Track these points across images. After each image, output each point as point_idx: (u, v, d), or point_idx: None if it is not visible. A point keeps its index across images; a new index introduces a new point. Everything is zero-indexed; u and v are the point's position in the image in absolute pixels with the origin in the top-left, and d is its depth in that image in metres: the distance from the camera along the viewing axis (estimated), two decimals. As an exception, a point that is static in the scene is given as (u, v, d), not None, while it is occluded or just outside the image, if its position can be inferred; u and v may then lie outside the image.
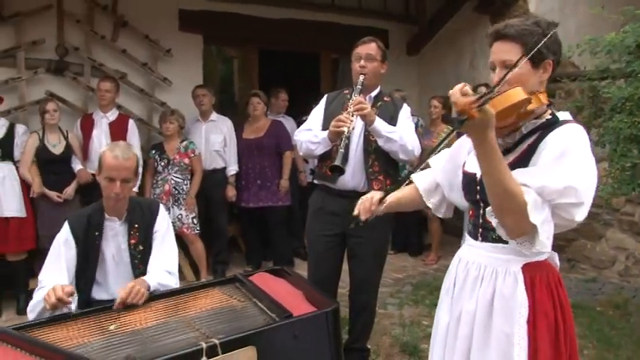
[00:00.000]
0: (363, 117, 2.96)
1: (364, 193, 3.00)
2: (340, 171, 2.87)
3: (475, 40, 6.45)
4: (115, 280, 2.66)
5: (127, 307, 2.21)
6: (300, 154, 3.40)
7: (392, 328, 4.07)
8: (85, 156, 4.84)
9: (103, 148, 2.86)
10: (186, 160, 5.02)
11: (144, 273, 2.60)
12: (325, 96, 3.40)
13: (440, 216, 2.11)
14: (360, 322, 3.34)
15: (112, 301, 2.27)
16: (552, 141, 1.63)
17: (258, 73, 6.70)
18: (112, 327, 2.06)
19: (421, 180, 2.09)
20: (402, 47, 7.42)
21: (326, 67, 7.27)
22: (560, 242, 5.37)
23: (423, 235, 6.29)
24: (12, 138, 4.56)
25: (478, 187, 1.75)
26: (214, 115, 5.44)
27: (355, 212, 2.04)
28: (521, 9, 5.71)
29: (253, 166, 5.42)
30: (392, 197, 2.07)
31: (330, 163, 2.96)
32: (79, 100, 5.37)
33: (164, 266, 2.61)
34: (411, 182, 2.10)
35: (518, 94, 1.55)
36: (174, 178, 5.01)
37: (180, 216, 4.98)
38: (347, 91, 3.24)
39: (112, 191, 2.55)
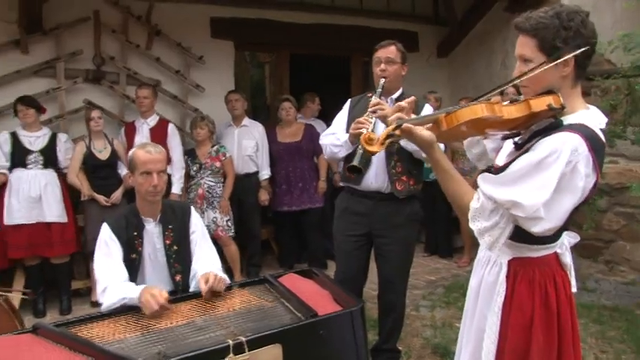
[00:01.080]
0: (382, 118, 2.98)
1: (388, 194, 3.07)
2: (358, 171, 2.85)
3: (507, 39, 6.38)
4: (150, 279, 2.74)
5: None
6: (325, 157, 3.47)
7: (424, 330, 4.08)
8: (130, 161, 4.98)
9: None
10: (218, 164, 5.12)
11: (179, 272, 2.69)
12: (349, 100, 3.46)
13: (480, 167, 2.16)
14: (388, 322, 3.37)
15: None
16: (536, 148, 1.62)
17: (289, 78, 6.78)
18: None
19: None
20: (433, 49, 7.41)
21: (357, 70, 7.30)
22: (598, 244, 5.28)
23: (455, 237, 6.26)
24: (54, 146, 4.74)
25: None
26: (247, 121, 5.53)
27: None
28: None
29: (294, 169, 5.51)
30: None
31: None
32: (115, 108, 5.53)
33: (214, 265, 2.69)
34: None
35: (470, 112, 1.64)
36: (207, 182, 5.10)
37: (214, 219, 5.06)
38: (370, 94, 3.28)
39: (150, 184, 2.63)
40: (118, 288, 2.40)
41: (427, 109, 3.25)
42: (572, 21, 1.61)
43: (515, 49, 1.72)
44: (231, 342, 1.78)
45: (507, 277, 1.76)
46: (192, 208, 2.93)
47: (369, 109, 2.94)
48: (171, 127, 5.19)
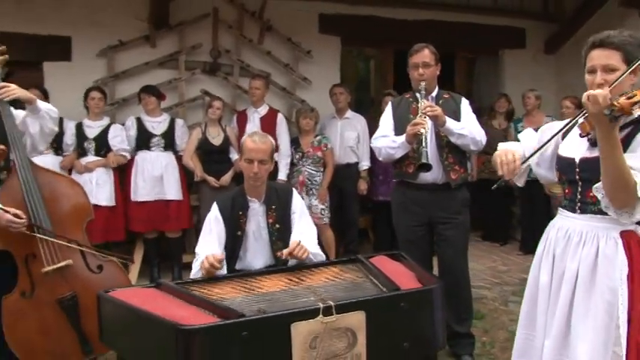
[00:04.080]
0: (435, 118, 3.22)
1: (442, 185, 3.34)
2: (429, 168, 3.17)
3: (621, 36, 6.19)
4: (253, 255, 3.05)
5: (262, 273, 2.60)
6: (380, 159, 3.67)
7: (510, 324, 4.13)
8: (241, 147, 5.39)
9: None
10: (319, 154, 5.39)
11: (280, 248, 2.95)
12: (390, 102, 3.73)
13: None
14: (454, 302, 3.41)
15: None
16: None
17: (393, 73, 6.95)
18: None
19: (527, 150, 2.33)
20: (540, 46, 7.29)
21: (461, 66, 7.36)
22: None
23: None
24: (173, 131, 5.25)
25: (577, 169, 2.06)
26: (349, 113, 5.78)
27: (500, 173, 2.23)
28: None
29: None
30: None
31: (408, 162, 3.35)
32: (228, 98, 5.97)
33: (310, 240, 2.95)
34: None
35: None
36: (308, 170, 5.39)
37: (312, 205, 5.33)
38: (408, 96, 3.54)
39: (251, 171, 2.92)
40: (197, 263, 2.74)
41: (465, 104, 3.49)
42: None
43: (596, 61, 1.99)
44: (321, 305, 2.03)
45: (624, 247, 1.97)
46: (294, 190, 3.22)
47: (422, 111, 3.20)
48: (280, 117, 5.53)
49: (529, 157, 2.21)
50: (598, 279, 1.99)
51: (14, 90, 2.90)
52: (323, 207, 5.39)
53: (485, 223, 6.85)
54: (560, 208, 2.21)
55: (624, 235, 1.98)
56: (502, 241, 6.60)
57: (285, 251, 2.72)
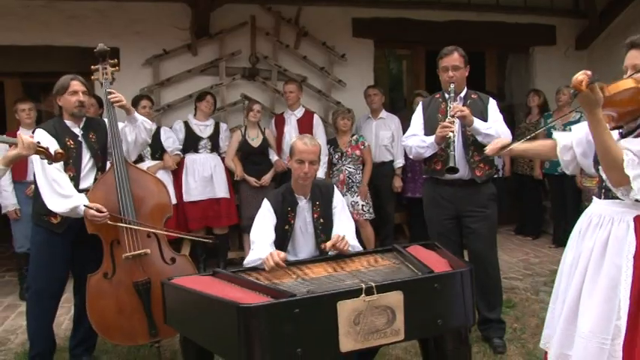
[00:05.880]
0: (463, 119, 3.43)
1: (468, 180, 3.59)
2: (456, 171, 3.42)
3: (651, 31, 6.26)
4: (300, 248, 3.28)
5: (308, 262, 2.87)
6: (410, 156, 3.91)
7: (541, 311, 4.28)
8: (279, 149, 5.69)
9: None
10: (358, 152, 5.63)
11: (323, 241, 3.15)
12: (420, 103, 3.94)
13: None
14: (484, 290, 3.64)
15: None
16: None
17: (424, 74, 7.15)
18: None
19: (562, 138, 2.61)
20: (571, 42, 7.38)
21: (491, 64, 7.50)
22: None
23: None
24: (218, 134, 5.58)
25: None
26: (384, 113, 6.01)
27: (486, 150, 2.72)
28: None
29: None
30: (518, 146, 2.78)
31: (437, 160, 3.60)
32: (267, 101, 6.26)
33: (349, 232, 3.17)
34: (533, 139, 2.82)
35: (627, 83, 2.07)
36: (348, 169, 5.63)
37: (352, 202, 5.56)
38: (438, 96, 3.74)
39: (302, 171, 3.15)
40: (258, 250, 2.95)
41: (492, 104, 3.67)
42: None
43: (628, 61, 2.18)
44: (364, 285, 2.27)
45: (635, 230, 2.15)
46: (336, 187, 3.46)
47: (450, 114, 3.42)
48: (316, 118, 5.79)
49: (512, 142, 2.65)
50: (607, 257, 2.19)
51: (122, 98, 3.44)
52: (364, 203, 5.62)
53: (518, 217, 7.00)
54: (594, 197, 2.43)
55: (638, 218, 2.16)
56: (534, 235, 6.73)
57: (329, 244, 2.96)
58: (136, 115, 3.52)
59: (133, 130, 3.50)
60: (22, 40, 5.58)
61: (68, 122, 3.38)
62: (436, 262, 2.69)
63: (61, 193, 3.15)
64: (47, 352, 3.44)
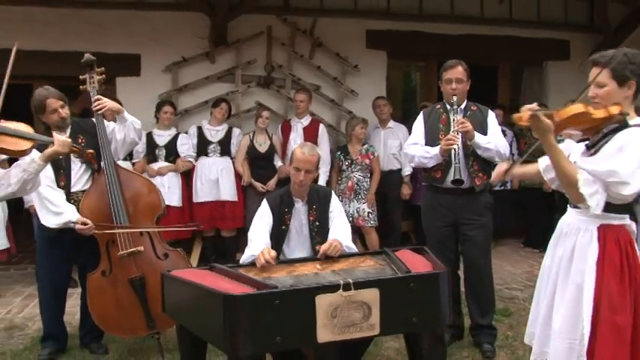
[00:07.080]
0: (466, 133, 3.57)
1: (468, 189, 3.70)
2: (461, 183, 3.57)
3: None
4: (296, 248, 3.44)
5: (299, 260, 3.05)
6: (412, 164, 4.06)
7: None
8: (284, 154, 5.86)
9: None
10: (367, 161, 5.78)
11: (319, 243, 3.31)
12: (421, 112, 4.06)
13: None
14: (477, 297, 3.79)
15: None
16: (615, 139, 2.23)
17: (437, 85, 7.24)
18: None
19: (542, 161, 2.69)
20: (585, 57, 7.36)
21: (504, 78, 7.59)
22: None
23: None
24: (229, 139, 5.80)
25: None
26: (392, 123, 6.18)
27: (491, 180, 2.89)
28: None
29: None
30: (517, 170, 2.90)
31: (437, 168, 3.71)
32: (281, 109, 6.47)
33: (344, 236, 3.32)
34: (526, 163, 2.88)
35: (576, 107, 2.21)
36: (357, 176, 5.77)
37: (358, 209, 5.71)
38: (439, 106, 3.87)
39: (297, 178, 3.33)
40: (253, 247, 3.14)
41: (492, 116, 3.80)
42: (636, 58, 2.27)
43: (589, 77, 2.32)
44: (342, 282, 2.43)
45: (598, 238, 2.29)
46: (333, 192, 3.62)
47: (454, 128, 3.57)
48: (321, 127, 5.97)
49: (512, 167, 2.77)
50: (573, 264, 2.35)
51: (106, 102, 3.61)
52: (370, 210, 5.74)
53: (527, 229, 7.06)
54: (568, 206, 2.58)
55: (601, 228, 2.30)
56: (542, 248, 6.73)
57: (321, 252, 3.09)
58: (126, 115, 3.67)
59: (122, 130, 3.66)
60: (50, 46, 5.89)
61: (55, 134, 3.50)
62: (419, 265, 2.83)
63: (53, 211, 3.41)
64: (58, 339, 3.69)
